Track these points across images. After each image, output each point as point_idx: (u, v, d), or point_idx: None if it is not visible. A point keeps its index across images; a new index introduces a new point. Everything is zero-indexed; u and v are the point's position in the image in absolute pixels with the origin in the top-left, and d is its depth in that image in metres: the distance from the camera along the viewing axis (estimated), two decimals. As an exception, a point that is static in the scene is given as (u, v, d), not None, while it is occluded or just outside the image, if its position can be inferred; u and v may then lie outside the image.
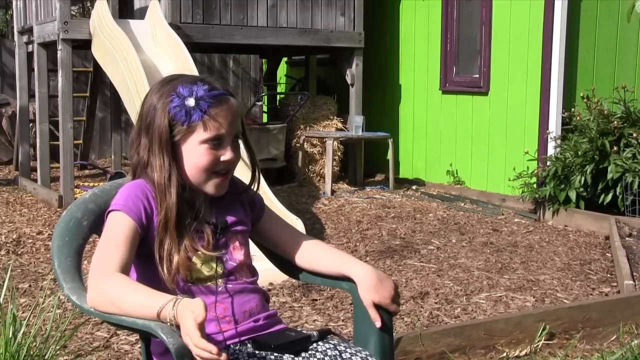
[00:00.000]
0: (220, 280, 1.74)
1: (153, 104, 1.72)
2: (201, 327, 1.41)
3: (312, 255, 1.91)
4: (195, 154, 1.70)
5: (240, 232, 1.82)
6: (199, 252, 1.71)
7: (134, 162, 1.75)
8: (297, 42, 7.36)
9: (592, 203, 5.85)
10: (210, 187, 1.74)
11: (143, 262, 1.72)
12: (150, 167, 1.70)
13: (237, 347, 1.69)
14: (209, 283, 1.72)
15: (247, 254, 1.83)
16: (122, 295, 1.54)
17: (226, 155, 1.71)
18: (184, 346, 1.48)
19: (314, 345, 1.75)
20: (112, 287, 1.56)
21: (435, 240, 5.32)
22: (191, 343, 1.41)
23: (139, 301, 1.52)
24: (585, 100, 6.13)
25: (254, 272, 1.84)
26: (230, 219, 1.80)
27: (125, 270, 1.60)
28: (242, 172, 1.87)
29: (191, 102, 1.67)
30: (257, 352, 1.67)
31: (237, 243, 1.80)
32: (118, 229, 1.64)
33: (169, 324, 1.48)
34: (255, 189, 1.89)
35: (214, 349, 1.40)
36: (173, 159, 1.70)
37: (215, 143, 1.70)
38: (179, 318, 1.45)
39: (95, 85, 8.58)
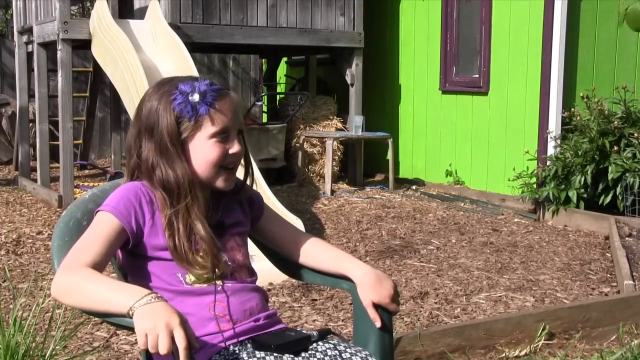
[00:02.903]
0: (218, 281, 1.73)
1: (154, 106, 1.71)
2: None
3: (312, 253, 1.92)
4: (204, 149, 1.70)
5: (238, 233, 1.82)
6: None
7: (133, 165, 1.74)
8: (297, 42, 7.36)
9: (592, 203, 5.85)
10: (220, 182, 1.74)
11: (136, 269, 1.73)
12: (161, 169, 1.69)
13: (236, 348, 1.69)
14: (208, 284, 1.72)
15: (246, 255, 1.83)
16: (83, 286, 1.51)
17: (234, 148, 1.72)
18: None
19: (314, 345, 1.75)
20: (74, 278, 1.53)
21: (435, 240, 5.32)
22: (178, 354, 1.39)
23: (99, 293, 1.49)
24: (585, 100, 6.13)
25: (252, 273, 1.84)
26: (228, 220, 1.80)
27: (97, 268, 1.56)
28: (242, 172, 1.87)
29: (196, 97, 1.68)
30: (257, 352, 1.67)
31: (235, 244, 1.80)
32: (100, 228, 1.63)
33: (129, 316, 1.44)
34: (250, 185, 1.88)
35: None
36: (184, 157, 1.70)
37: (223, 136, 1.71)
38: (165, 322, 1.40)
39: (95, 85, 8.58)
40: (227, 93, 1.73)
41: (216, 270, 1.72)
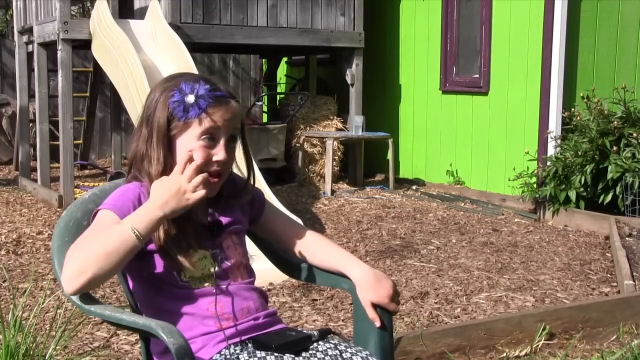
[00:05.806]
0: (216, 280, 1.73)
1: (156, 97, 1.73)
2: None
3: (313, 249, 1.91)
4: (188, 149, 1.70)
5: (235, 232, 1.82)
6: (191, 251, 1.71)
7: (132, 153, 1.75)
8: (297, 42, 7.36)
9: (592, 203, 5.85)
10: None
11: (137, 269, 1.73)
12: (147, 159, 1.71)
13: (237, 347, 1.69)
14: (206, 284, 1.72)
15: (243, 254, 1.82)
16: (93, 253, 1.55)
17: (219, 155, 1.70)
18: (184, 346, 1.48)
19: (315, 345, 1.75)
20: (81, 257, 1.55)
21: (435, 240, 5.32)
22: (186, 177, 1.61)
23: (109, 234, 1.57)
24: (585, 100, 6.13)
25: (251, 273, 1.83)
26: (224, 219, 1.80)
27: None
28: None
29: (191, 98, 1.68)
30: (257, 352, 1.67)
31: (231, 242, 1.80)
32: (100, 225, 1.64)
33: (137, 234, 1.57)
34: (252, 186, 1.87)
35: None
36: (169, 152, 1.71)
37: (209, 141, 1.69)
38: (159, 191, 1.61)
39: (95, 85, 8.58)
40: (226, 101, 1.71)
41: (212, 269, 1.72)
